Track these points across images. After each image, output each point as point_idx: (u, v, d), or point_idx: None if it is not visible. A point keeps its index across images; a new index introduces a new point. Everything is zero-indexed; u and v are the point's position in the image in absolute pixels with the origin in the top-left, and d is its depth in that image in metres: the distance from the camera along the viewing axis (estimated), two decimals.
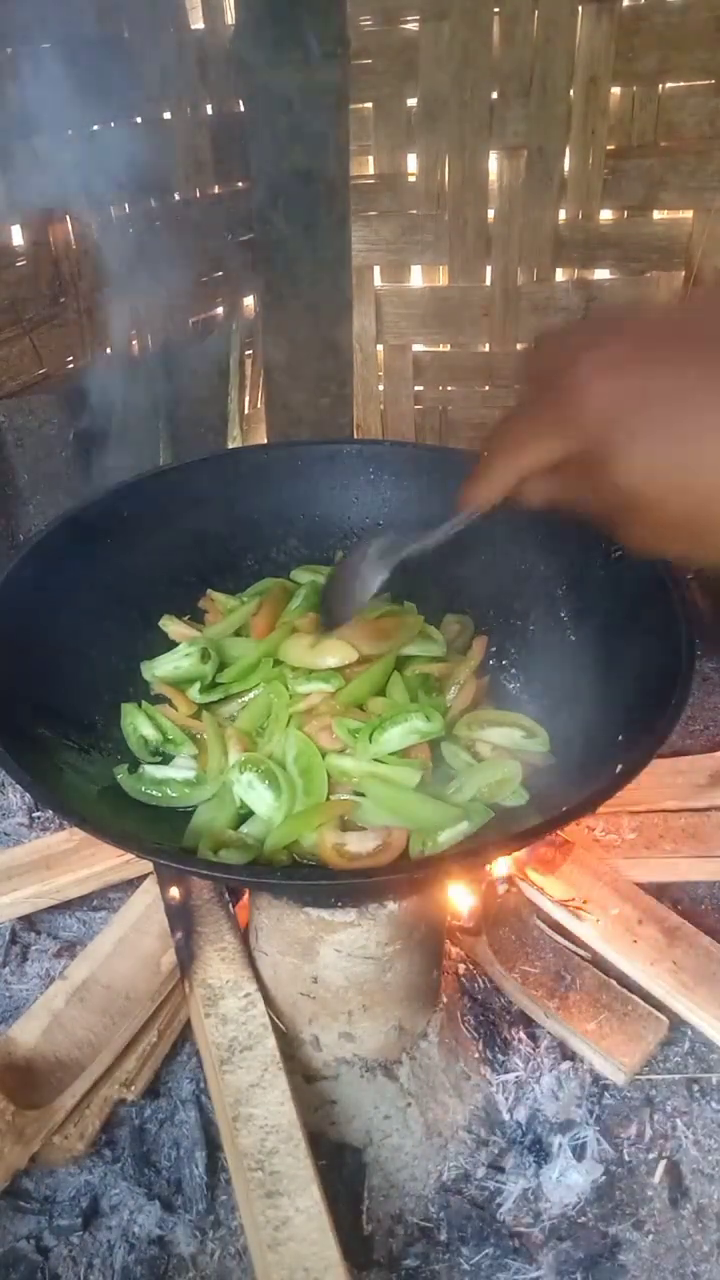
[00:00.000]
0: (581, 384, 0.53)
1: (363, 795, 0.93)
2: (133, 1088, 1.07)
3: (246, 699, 1.04)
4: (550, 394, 0.55)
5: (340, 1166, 1.03)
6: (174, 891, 1.19)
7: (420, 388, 2.21)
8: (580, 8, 1.75)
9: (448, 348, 2.16)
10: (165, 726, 1.02)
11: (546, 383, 0.56)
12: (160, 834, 0.92)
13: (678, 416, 0.49)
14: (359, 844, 0.87)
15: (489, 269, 2.04)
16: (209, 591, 1.18)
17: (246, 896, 1.16)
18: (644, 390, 0.50)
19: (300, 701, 1.00)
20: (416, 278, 2.11)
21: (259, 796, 0.93)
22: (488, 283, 2.06)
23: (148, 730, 1.01)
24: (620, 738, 0.89)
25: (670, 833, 1.38)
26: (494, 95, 1.85)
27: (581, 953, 1.23)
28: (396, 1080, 1.07)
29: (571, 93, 1.83)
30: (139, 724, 1.02)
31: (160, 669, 1.07)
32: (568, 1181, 1.03)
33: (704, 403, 0.49)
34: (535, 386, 0.58)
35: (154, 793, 0.96)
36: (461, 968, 1.21)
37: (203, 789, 0.96)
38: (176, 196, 1.77)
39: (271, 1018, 1.04)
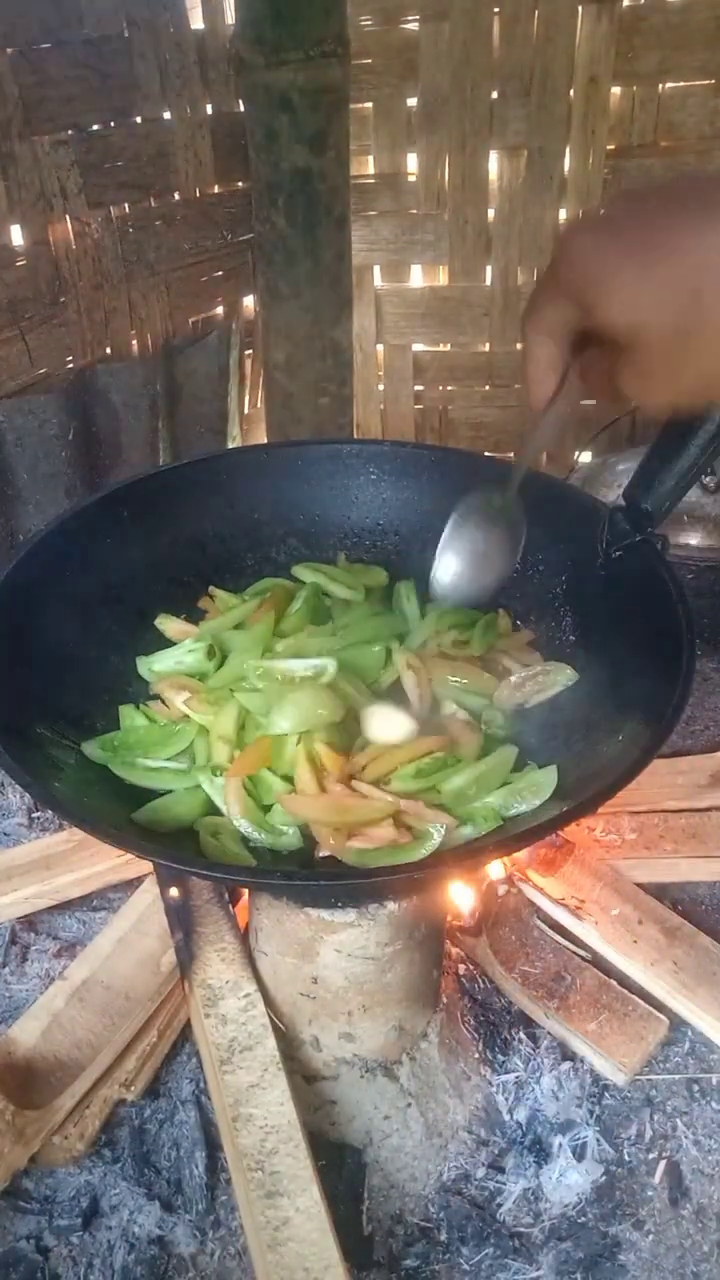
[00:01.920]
0: (562, 247, 0.62)
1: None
2: (133, 1088, 1.07)
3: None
4: (555, 275, 0.64)
5: (340, 1166, 1.03)
6: (174, 891, 1.19)
7: (420, 388, 2.21)
8: (580, 8, 1.75)
9: (448, 348, 2.16)
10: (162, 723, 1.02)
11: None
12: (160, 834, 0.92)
13: (639, 252, 0.57)
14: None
15: (489, 269, 2.04)
16: (211, 589, 1.17)
17: (246, 897, 1.16)
18: (608, 237, 0.59)
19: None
20: (416, 278, 2.10)
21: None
22: (488, 282, 2.06)
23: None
24: (620, 738, 0.89)
25: (671, 833, 1.38)
26: (494, 95, 1.85)
27: (581, 953, 1.23)
28: (396, 1080, 1.07)
29: (571, 92, 1.83)
30: (137, 724, 1.02)
31: (160, 664, 1.07)
32: (568, 1182, 1.03)
33: (660, 237, 0.56)
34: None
35: (146, 781, 0.96)
36: (461, 968, 1.21)
37: (190, 777, 0.96)
38: (176, 196, 1.77)
39: (271, 1018, 1.04)
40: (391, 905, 0.96)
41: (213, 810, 0.94)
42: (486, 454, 2.18)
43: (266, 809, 0.93)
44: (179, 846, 0.90)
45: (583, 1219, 1.01)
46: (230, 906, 1.17)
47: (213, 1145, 1.04)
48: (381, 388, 2.22)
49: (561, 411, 0.73)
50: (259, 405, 2.11)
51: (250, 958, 1.09)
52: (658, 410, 0.65)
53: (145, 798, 0.96)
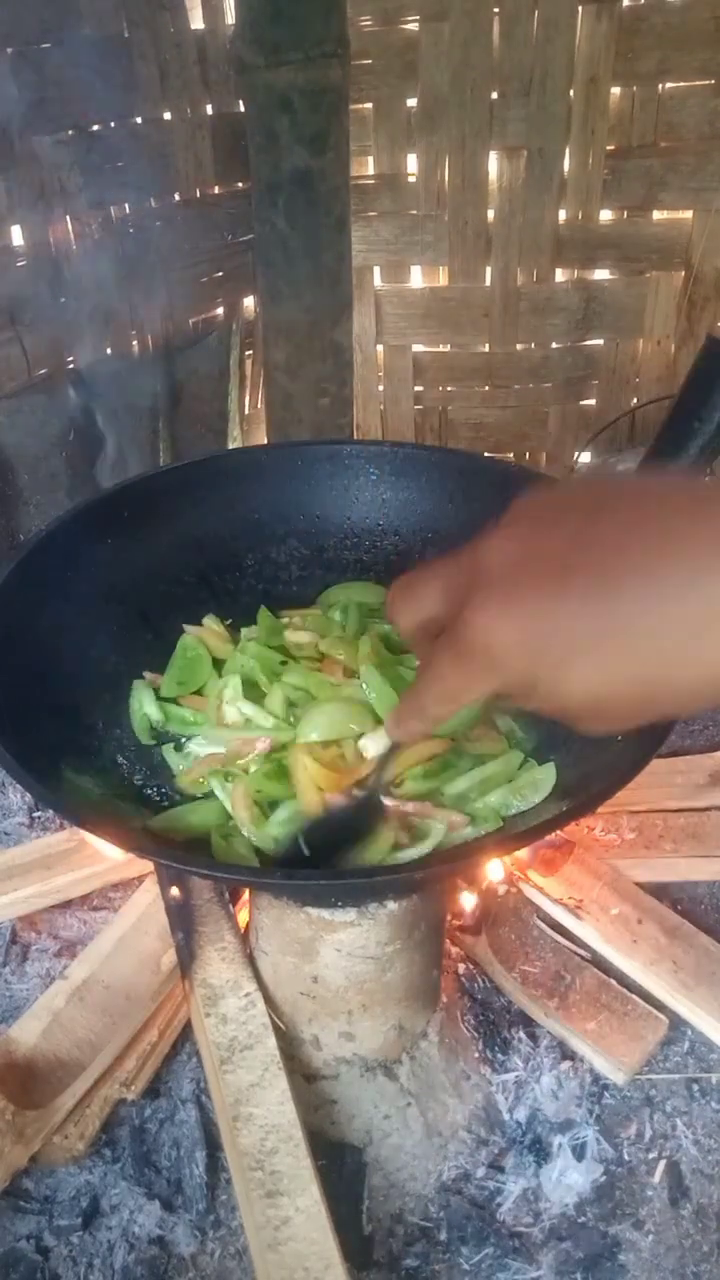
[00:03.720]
0: (488, 637, 0.52)
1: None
2: (133, 1088, 1.07)
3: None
4: (459, 648, 0.54)
5: (340, 1166, 1.03)
6: (174, 891, 1.19)
7: (420, 388, 2.21)
8: (580, 8, 1.75)
9: (448, 348, 2.16)
10: (174, 713, 1.03)
11: (451, 627, 0.55)
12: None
13: (587, 641, 0.49)
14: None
15: (489, 269, 2.04)
16: (205, 622, 1.14)
17: (246, 896, 1.16)
18: (550, 626, 0.50)
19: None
20: (416, 278, 2.11)
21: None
22: (488, 283, 2.06)
23: (151, 710, 1.03)
24: (620, 738, 0.89)
25: (670, 832, 1.38)
26: (494, 95, 1.85)
27: (581, 953, 1.23)
28: (396, 1080, 1.07)
29: (571, 93, 1.83)
30: (144, 702, 1.03)
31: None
32: (568, 1181, 1.03)
33: (607, 621, 0.48)
34: (443, 632, 0.57)
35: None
36: (461, 968, 1.21)
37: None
38: (176, 196, 1.77)
39: (271, 1017, 1.04)
40: (391, 905, 0.96)
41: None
42: (486, 454, 2.18)
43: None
44: (183, 847, 0.90)
45: (583, 1219, 1.01)
46: (230, 906, 1.17)
47: (213, 1145, 1.04)
48: (381, 388, 2.22)
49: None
50: (259, 405, 2.11)
51: (250, 957, 1.09)
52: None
53: (146, 798, 0.96)
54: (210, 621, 1.13)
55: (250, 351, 2.05)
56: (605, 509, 0.51)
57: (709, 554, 0.45)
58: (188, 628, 1.11)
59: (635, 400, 2.18)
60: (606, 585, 0.47)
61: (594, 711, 0.53)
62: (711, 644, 0.46)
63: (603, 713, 0.53)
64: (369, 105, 1.89)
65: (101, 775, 0.97)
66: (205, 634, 1.12)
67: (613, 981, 1.19)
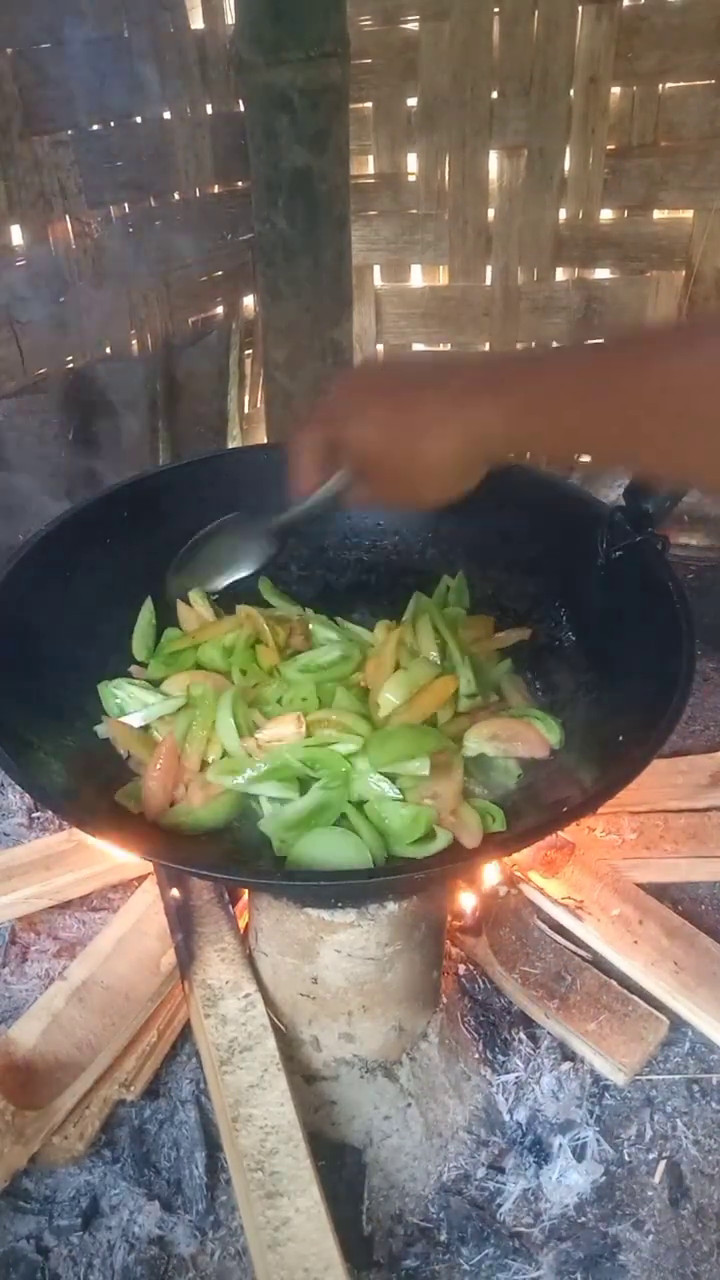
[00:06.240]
0: (330, 403, 0.87)
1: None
2: (133, 1088, 1.07)
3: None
4: (320, 411, 0.88)
5: (340, 1166, 1.03)
6: (174, 891, 1.19)
7: None
8: (580, 8, 1.75)
9: (448, 347, 2.15)
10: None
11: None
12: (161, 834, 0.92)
13: (382, 413, 0.81)
14: None
15: (489, 269, 2.04)
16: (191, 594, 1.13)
17: (246, 897, 1.16)
18: (363, 404, 0.83)
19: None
20: (416, 277, 2.10)
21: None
22: (488, 282, 2.05)
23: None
24: (621, 738, 0.89)
25: (671, 833, 1.38)
26: (494, 95, 1.85)
27: (582, 953, 1.23)
28: (396, 1081, 1.06)
29: (571, 92, 1.83)
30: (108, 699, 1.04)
31: (131, 719, 1.03)
32: (568, 1182, 1.03)
33: (396, 406, 0.80)
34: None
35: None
36: (462, 968, 1.21)
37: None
38: (176, 196, 1.77)
39: (271, 1018, 1.04)
40: (392, 906, 0.96)
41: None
42: None
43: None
44: (184, 847, 0.90)
45: (583, 1219, 1.01)
46: (230, 906, 1.17)
47: (213, 1145, 1.04)
48: None
49: (320, 497, 0.90)
50: (259, 405, 2.11)
51: (250, 958, 1.09)
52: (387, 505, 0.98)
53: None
54: (195, 595, 1.13)
55: (250, 351, 2.05)
56: (406, 371, 0.85)
57: (461, 394, 0.77)
58: (180, 604, 1.13)
59: None
60: (403, 395, 0.80)
61: (371, 461, 0.83)
62: (452, 434, 0.77)
63: (377, 466, 0.83)
64: (369, 105, 1.89)
65: (100, 774, 0.96)
66: (189, 614, 1.13)
67: (613, 982, 1.18)
